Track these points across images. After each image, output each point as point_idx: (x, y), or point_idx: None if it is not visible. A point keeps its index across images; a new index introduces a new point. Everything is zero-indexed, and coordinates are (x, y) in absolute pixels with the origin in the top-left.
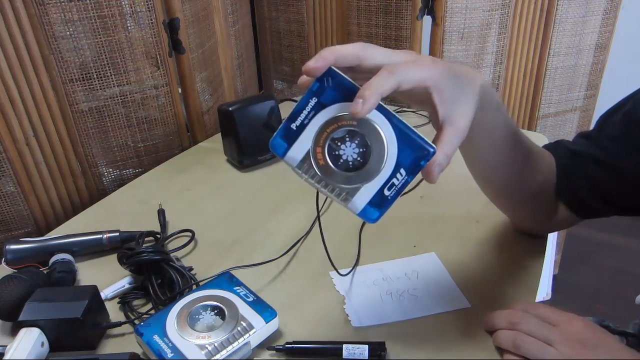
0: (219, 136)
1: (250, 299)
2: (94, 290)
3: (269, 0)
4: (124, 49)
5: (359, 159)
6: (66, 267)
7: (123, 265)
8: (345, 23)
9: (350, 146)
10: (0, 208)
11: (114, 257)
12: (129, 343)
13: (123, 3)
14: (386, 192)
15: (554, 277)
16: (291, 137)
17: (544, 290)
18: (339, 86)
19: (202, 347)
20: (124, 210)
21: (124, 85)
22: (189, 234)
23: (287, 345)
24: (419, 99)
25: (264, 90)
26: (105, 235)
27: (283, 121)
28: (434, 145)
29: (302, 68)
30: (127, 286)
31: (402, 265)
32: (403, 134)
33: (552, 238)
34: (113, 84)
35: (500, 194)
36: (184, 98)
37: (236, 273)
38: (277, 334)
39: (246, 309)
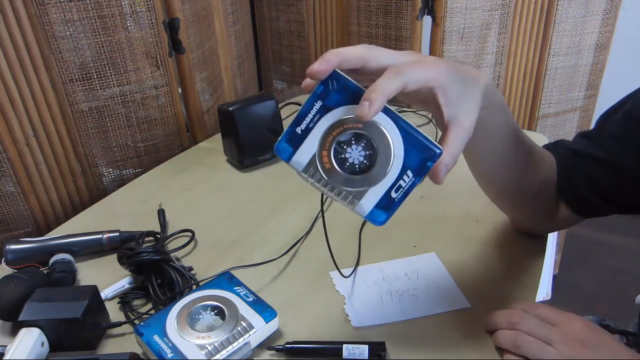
0: (219, 136)
1: (250, 299)
2: (94, 290)
3: (269, 0)
4: (124, 49)
5: (365, 161)
6: (66, 267)
7: (123, 265)
8: (345, 23)
9: (356, 149)
10: (0, 208)
11: (114, 257)
12: (129, 343)
13: (123, 3)
14: (393, 195)
15: (554, 277)
16: (296, 141)
17: (544, 290)
18: (344, 89)
19: (202, 347)
20: (124, 210)
21: (124, 85)
22: (189, 234)
23: (287, 345)
24: (424, 99)
25: (264, 90)
26: (105, 235)
27: (288, 125)
28: (440, 146)
29: (306, 71)
30: (127, 286)
31: (402, 265)
32: (409, 135)
33: (552, 238)
34: (113, 84)
35: (501, 194)
36: (184, 98)
37: (236, 273)
38: (277, 334)
39: (246, 309)
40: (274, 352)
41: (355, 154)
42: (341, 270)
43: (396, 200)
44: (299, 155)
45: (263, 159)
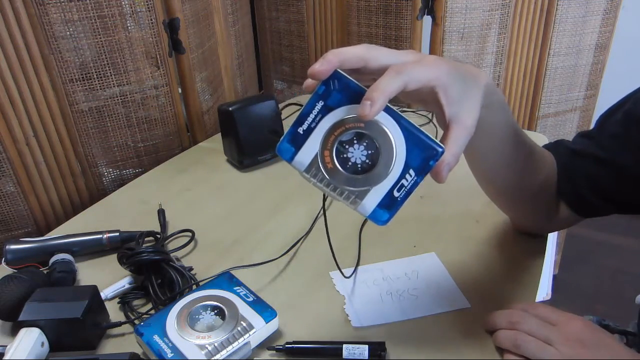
0: (219, 136)
1: (250, 299)
2: (94, 290)
3: (269, 0)
4: (124, 49)
5: (367, 161)
6: (66, 267)
7: (123, 265)
8: (345, 23)
9: (358, 148)
10: (0, 208)
11: (114, 257)
12: (129, 343)
13: (123, 3)
14: (396, 194)
15: (554, 277)
16: (298, 141)
17: (544, 290)
18: (345, 88)
19: (202, 347)
20: (124, 210)
21: (124, 85)
22: (189, 234)
23: (287, 345)
24: (425, 98)
25: (264, 90)
26: (105, 235)
27: (290, 125)
28: (442, 145)
29: (307, 72)
30: (127, 286)
31: (402, 265)
32: (411, 134)
33: (552, 238)
34: (113, 84)
35: (502, 193)
36: (184, 98)
37: (236, 273)
38: (277, 334)
39: (246, 309)
40: (274, 352)
41: (357, 153)
42: (342, 270)
43: (399, 199)
44: (301, 155)
45: (263, 159)
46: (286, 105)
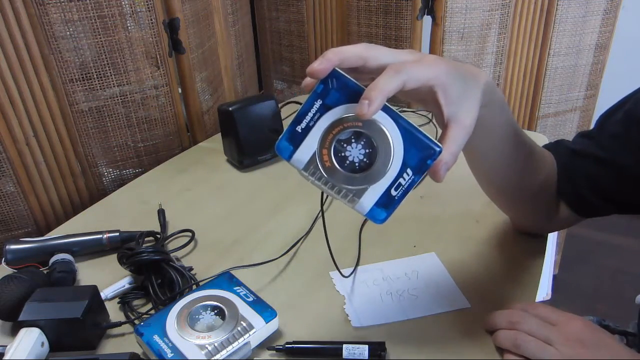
0: (219, 136)
1: (250, 299)
2: (94, 290)
3: (269, 0)
4: (124, 49)
5: (365, 160)
6: (66, 267)
7: (123, 265)
8: (345, 23)
9: (356, 147)
10: (0, 208)
11: (114, 257)
12: (129, 343)
13: (123, 3)
14: (393, 193)
15: (554, 277)
16: (297, 139)
17: (544, 290)
18: (344, 87)
19: (202, 347)
20: (124, 210)
21: (124, 85)
22: (189, 234)
23: (287, 345)
24: (424, 98)
25: (264, 90)
26: (105, 235)
27: (288, 124)
28: (439, 144)
29: (306, 70)
30: (127, 286)
31: (402, 265)
32: (409, 133)
33: (552, 238)
34: (113, 84)
35: (501, 193)
36: (184, 98)
37: (236, 273)
38: (277, 334)
39: (246, 309)
40: (274, 352)
41: (355, 152)
42: (341, 270)
43: (396, 198)
44: (300, 153)
45: (263, 159)
46: (286, 104)
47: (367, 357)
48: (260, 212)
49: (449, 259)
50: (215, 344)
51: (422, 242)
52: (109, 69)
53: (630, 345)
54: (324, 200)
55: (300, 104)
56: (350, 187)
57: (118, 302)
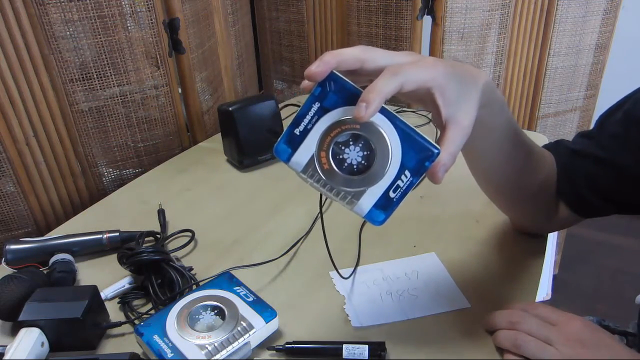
0: (219, 136)
1: (250, 299)
2: (94, 290)
3: (269, 0)
4: (124, 49)
5: (363, 162)
6: (66, 267)
7: (123, 265)
8: (345, 23)
9: (354, 150)
10: (0, 208)
11: (114, 257)
12: (129, 343)
13: (123, 3)
14: (391, 195)
15: (554, 277)
16: (295, 142)
17: (544, 290)
18: (341, 90)
19: (202, 347)
20: (124, 210)
21: (124, 85)
22: (189, 234)
23: (287, 345)
24: (422, 99)
25: (264, 90)
26: (105, 235)
27: (287, 126)
28: (438, 146)
29: (304, 73)
30: (127, 286)
31: (402, 265)
32: (407, 135)
33: (552, 238)
34: (113, 84)
35: (501, 193)
36: (184, 98)
37: (236, 273)
38: (277, 334)
39: (246, 309)
40: (274, 352)
41: (353, 154)
42: (341, 270)
43: (394, 200)
44: (298, 156)
45: (263, 159)
46: (285, 106)
47: (367, 357)
48: (260, 212)
49: (449, 259)
50: (215, 344)
51: (422, 242)
52: (109, 69)
53: (630, 346)
54: (323, 202)
55: (299, 105)
56: (348, 189)
57: (118, 302)
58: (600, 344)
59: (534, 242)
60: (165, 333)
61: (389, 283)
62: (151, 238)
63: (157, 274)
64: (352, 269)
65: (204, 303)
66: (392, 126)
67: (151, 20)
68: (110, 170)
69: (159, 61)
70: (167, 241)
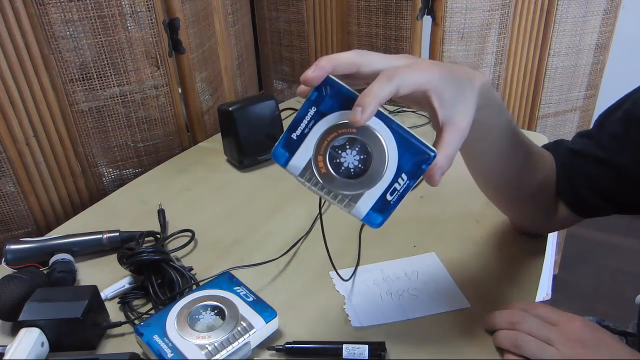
0: (219, 136)
1: (250, 299)
2: (94, 290)
3: (269, 0)
4: (124, 49)
5: (360, 165)
6: (66, 267)
7: (123, 265)
8: (345, 23)
9: (350, 153)
10: (0, 208)
11: (114, 257)
12: (129, 343)
13: (123, 3)
14: (389, 197)
15: (554, 277)
16: (292, 146)
17: (544, 290)
18: (338, 94)
19: (202, 347)
20: (124, 210)
21: (124, 85)
22: (189, 234)
23: (287, 345)
24: (419, 101)
25: (264, 90)
26: (105, 235)
27: (284, 131)
28: (434, 149)
29: (300, 78)
30: (127, 286)
31: (402, 265)
32: (403, 139)
33: (552, 238)
34: (113, 84)
35: (500, 194)
36: (184, 98)
37: (236, 273)
38: (277, 334)
39: (246, 309)
40: (274, 352)
41: (350, 158)
42: (342, 270)
43: (392, 202)
44: (295, 160)
45: (263, 159)
46: (283, 109)
47: (367, 357)
48: (260, 212)
49: (449, 259)
50: (215, 344)
51: (422, 242)
52: (109, 69)
53: (630, 346)
54: (321, 204)
55: (297, 109)
56: (346, 192)
57: (118, 302)
58: (600, 344)
59: (534, 242)
60: (165, 333)
61: (389, 283)
62: (151, 238)
63: (157, 274)
64: (352, 269)
65: (204, 303)
66: (388, 130)
67: (151, 20)
68: (110, 170)
69: (159, 61)
70: (167, 241)
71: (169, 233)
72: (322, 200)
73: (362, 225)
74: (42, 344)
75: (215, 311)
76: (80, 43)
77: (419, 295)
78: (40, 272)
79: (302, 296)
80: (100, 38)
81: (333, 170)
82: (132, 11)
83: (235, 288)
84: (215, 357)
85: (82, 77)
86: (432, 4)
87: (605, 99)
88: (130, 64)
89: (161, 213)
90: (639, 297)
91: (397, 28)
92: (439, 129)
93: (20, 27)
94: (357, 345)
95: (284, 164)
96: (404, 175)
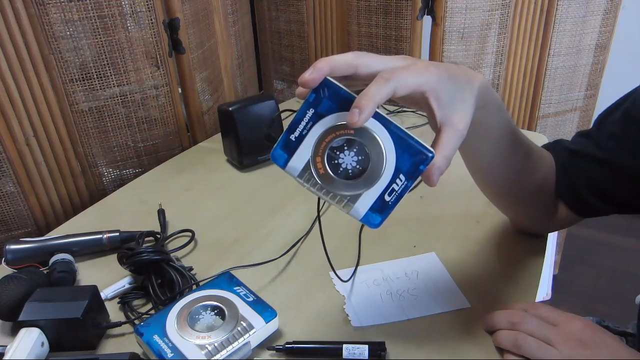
0: (219, 136)
1: (250, 299)
2: (94, 290)
3: (269, 0)
4: (124, 49)
5: (358, 166)
6: (66, 267)
7: (123, 265)
8: (345, 23)
9: (349, 154)
10: (0, 208)
11: (114, 257)
12: (129, 343)
13: (123, 3)
14: (387, 198)
15: (554, 277)
16: (291, 147)
17: (544, 290)
18: (335, 96)
19: (202, 347)
20: (124, 210)
21: (124, 85)
22: (189, 234)
23: (287, 345)
24: (417, 102)
25: (264, 90)
26: (105, 235)
27: (283, 132)
28: (432, 150)
29: (298, 80)
30: (127, 286)
31: (402, 265)
32: (401, 139)
33: (552, 238)
34: (113, 84)
35: (500, 194)
36: (184, 98)
37: (236, 273)
38: (277, 334)
39: (246, 309)
40: (274, 352)
41: (348, 159)
42: (342, 270)
43: (390, 203)
44: (294, 161)
45: (263, 159)
46: (283, 111)
47: (367, 357)
48: (260, 212)
49: (449, 259)
50: (215, 344)
51: (422, 242)
52: (109, 69)
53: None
54: (320, 206)
55: (296, 110)
56: (344, 193)
57: (118, 302)
58: (600, 344)
59: (534, 242)
60: (165, 333)
61: (389, 283)
62: (151, 238)
63: (157, 274)
64: (352, 269)
65: (204, 303)
66: (386, 131)
67: (151, 20)
68: (110, 170)
69: (159, 61)
70: (167, 241)
71: (169, 233)
72: (321, 202)
73: (362, 225)
74: (42, 344)
75: (215, 311)
76: (80, 43)
77: (419, 295)
78: (40, 272)
79: (302, 296)
80: (100, 38)
81: (331, 171)
82: (132, 11)
83: (235, 288)
84: (215, 357)
85: (82, 77)
86: (432, 4)
87: (605, 99)
88: (130, 64)
89: (161, 213)
90: (639, 297)
91: (397, 28)
92: (437, 129)
93: (20, 27)
94: (357, 345)
95: (283, 166)
96: (401, 176)
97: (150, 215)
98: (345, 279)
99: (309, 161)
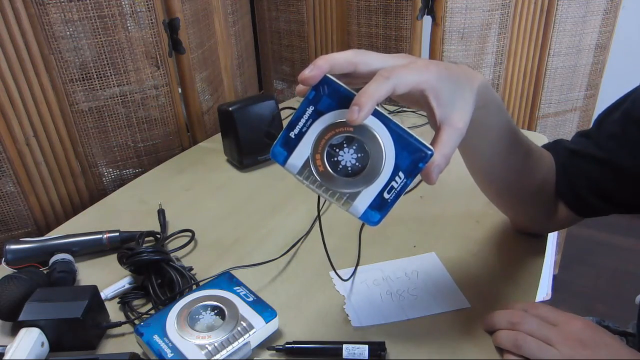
0: (219, 136)
1: (250, 299)
2: (94, 290)
3: (269, 0)
4: (124, 49)
5: (357, 164)
6: (66, 267)
7: (123, 265)
8: (345, 23)
9: (348, 152)
10: (0, 208)
11: (114, 257)
12: (129, 343)
13: (123, 3)
14: (386, 195)
15: (554, 277)
16: (291, 145)
17: (544, 290)
18: (335, 93)
19: (202, 347)
20: (124, 210)
21: (124, 85)
22: (189, 234)
23: (287, 345)
24: (417, 101)
25: (264, 90)
26: (105, 235)
27: (283, 130)
28: (431, 147)
29: (298, 77)
30: (127, 286)
31: (402, 265)
32: (400, 137)
33: (552, 238)
34: (113, 84)
35: (499, 194)
36: (184, 98)
37: (236, 273)
38: (277, 334)
39: (246, 309)
40: (274, 352)
41: (348, 156)
42: (342, 270)
43: (389, 200)
44: (294, 158)
45: (263, 159)
46: (283, 108)
47: (367, 357)
48: (260, 212)
49: (449, 259)
50: (215, 344)
51: (422, 242)
52: (109, 69)
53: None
54: (321, 205)
55: (296, 109)
56: (343, 190)
57: (118, 302)
58: (600, 344)
59: (534, 242)
60: (165, 333)
61: (389, 283)
62: (151, 238)
63: (157, 274)
64: (352, 269)
65: (204, 303)
66: (385, 128)
67: (151, 20)
68: (110, 170)
69: (159, 61)
70: (167, 241)
71: (169, 233)
72: (321, 201)
73: (362, 225)
74: (42, 344)
75: (215, 311)
76: (80, 43)
77: (419, 295)
78: (40, 272)
79: (302, 296)
80: (100, 38)
81: (331, 168)
82: (132, 11)
83: (235, 288)
84: (215, 357)
85: (82, 77)
86: (432, 4)
87: (605, 99)
88: (130, 64)
89: (161, 213)
90: (639, 297)
91: (397, 28)
92: (436, 128)
93: (20, 27)
94: (357, 345)
95: (283, 163)
96: (401, 174)
97: (150, 215)
98: (345, 278)
99: (308, 158)
